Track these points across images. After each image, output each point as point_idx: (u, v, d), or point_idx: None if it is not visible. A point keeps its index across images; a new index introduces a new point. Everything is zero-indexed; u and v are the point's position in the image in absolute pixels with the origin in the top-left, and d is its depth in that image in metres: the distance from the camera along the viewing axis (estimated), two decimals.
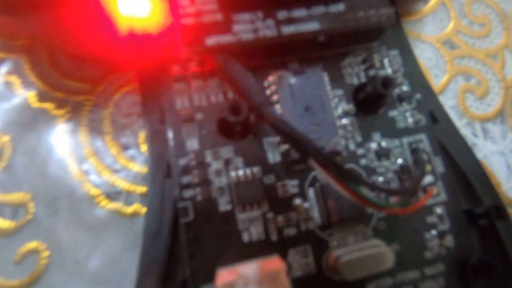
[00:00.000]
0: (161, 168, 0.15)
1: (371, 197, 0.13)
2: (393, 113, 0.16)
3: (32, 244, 0.15)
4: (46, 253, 0.15)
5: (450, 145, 0.17)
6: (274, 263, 0.13)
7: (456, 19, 0.21)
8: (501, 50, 0.21)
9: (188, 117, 0.15)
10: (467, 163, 0.17)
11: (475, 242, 0.16)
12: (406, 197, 0.15)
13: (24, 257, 0.15)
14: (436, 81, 0.20)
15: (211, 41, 0.14)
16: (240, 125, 0.14)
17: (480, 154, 0.19)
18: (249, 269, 0.13)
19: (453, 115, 0.19)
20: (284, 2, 0.14)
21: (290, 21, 0.14)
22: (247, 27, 0.14)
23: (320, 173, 0.13)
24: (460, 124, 0.19)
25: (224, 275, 0.12)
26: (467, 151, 0.17)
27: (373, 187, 0.13)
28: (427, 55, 0.20)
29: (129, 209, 0.16)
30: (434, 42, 0.20)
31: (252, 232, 0.14)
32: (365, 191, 0.13)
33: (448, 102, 0.20)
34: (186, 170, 0.15)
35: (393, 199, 0.15)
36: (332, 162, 0.13)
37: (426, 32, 0.21)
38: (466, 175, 0.17)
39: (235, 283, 0.12)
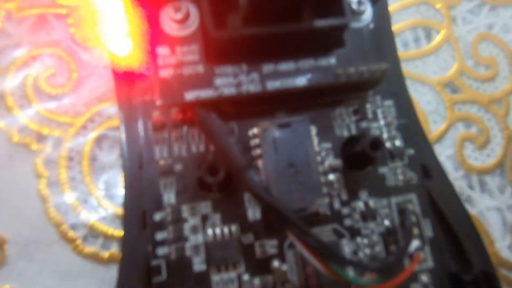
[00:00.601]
0: (137, 217, 0.15)
1: (349, 276, 0.12)
2: (383, 170, 0.16)
3: None
4: None
5: (442, 202, 0.16)
6: None
7: (460, 60, 0.20)
8: (506, 96, 0.20)
9: (167, 169, 0.15)
10: (459, 222, 0.16)
11: None
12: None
13: None
14: (434, 128, 0.19)
15: (190, 95, 0.13)
16: (217, 185, 0.13)
17: (474, 209, 0.18)
18: None
19: (449, 166, 0.19)
20: (271, 54, 0.14)
21: (276, 75, 0.14)
22: (230, 80, 0.13)
23: (296, 245, 0.13)
24: (456, 175, 0.18)
25: None
26: (460, 209, 0.16)
27: (352, 264, 0.12)
28: (427, 99, 0.19)
29: (106, 255, 0.16)
30: (435, 85, 0.19)
31: None
32: (345, 272, 0.12)
33: (445, 151, 0.19)
34: (161, 226, 0.14)
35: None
36: (310, 238, 0.12)
37: (427, 74, 0.20)
38: (456, 234, 0.16)
39: None
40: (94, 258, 0.16)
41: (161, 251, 0.14)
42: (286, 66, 0.14)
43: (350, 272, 0.13)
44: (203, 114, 0.13)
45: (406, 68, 0.19)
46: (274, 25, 0.13)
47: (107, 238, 0.16)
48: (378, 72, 0.14)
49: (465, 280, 0.15)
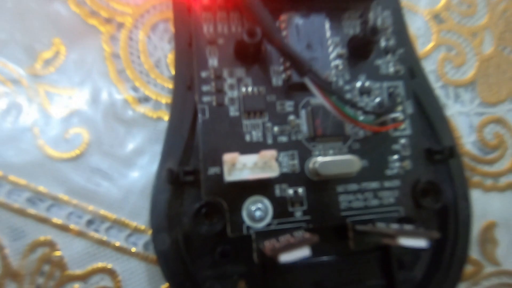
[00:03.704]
0: (185, 81, 0.19)
1: (349, 112, 0.16)
2: (378, 62, 0.20)
3: (78, 129, 0.19)
4: (88, 136, 0.19)
5: (423, 96, 0.21)
6: (268, 152, 0.16)
7: None
8: (482, 30, 0.24)
9: (212, 40, 0.19)
10: (434, 110, 0.21)
11: (428, 170, 0.19)
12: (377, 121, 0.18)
13: (72, 136, 0.19)
14: (421, 47, 0.23)
15: None
16: (253, 47, 0.18)
17: (448, 113, 0.23)
18: (248, 157, 0.17)
19: (431, 78, 0.23)
20: None
21: None
22: None
23: (312, 90, 0.17)
24: (436, 85, 0.23)
25: (228, 155, 0.16)
26: (436, 102, 0.21)
27: (352, 104, 0.16)
28: (417, 25, 0.24)
29: (155, 114, 0.20)
30: (425, 15, 0.24)
31: (253, 135, 0.18)
32: (346, 108, 0.17)
33: (428, 67, 0.23)
34: (205, 81, 0.18)
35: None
36: (323, 81, 0.16)
37: (419, 5, 0.24)
38: (431, 119, 0.20)
39: (237, 161, 0.16)
40: (146, 115, 0.20)
41: (206, 99, 0.18)
42: None
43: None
44: None
45: None
46: None
47: (157, 102, 0.20)
48: None
49: (435, 150, 0.20)
